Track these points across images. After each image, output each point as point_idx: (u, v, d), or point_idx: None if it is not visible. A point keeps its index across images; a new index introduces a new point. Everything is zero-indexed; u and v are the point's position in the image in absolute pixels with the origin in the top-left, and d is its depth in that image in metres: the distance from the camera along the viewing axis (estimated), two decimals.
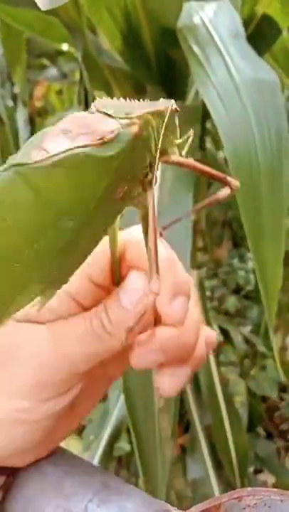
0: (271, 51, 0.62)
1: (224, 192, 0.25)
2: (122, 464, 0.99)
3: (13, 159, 0.19)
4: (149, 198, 0.22)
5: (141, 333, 0.26)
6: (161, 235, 0.26)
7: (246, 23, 0.49)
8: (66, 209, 0.19)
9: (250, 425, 1.01)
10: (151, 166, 0.22)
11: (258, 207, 0.35)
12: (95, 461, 0.82)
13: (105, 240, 0.25)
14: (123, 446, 0.92)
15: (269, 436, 1.11)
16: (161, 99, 0.22)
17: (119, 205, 0.22)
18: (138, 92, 0.65)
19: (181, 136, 0.23)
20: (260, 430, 1.08)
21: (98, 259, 0.26)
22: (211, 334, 0.29)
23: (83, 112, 0.20)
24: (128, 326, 0.22)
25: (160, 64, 0.60)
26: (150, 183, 0.22)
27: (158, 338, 0.25)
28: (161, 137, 0.21)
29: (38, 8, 0.63)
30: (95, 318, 0.25)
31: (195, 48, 0.44)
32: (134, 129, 0.20)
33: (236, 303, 1.35)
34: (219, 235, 1.47)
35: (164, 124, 0.21)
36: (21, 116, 1.46)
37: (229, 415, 0.87)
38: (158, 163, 0.22)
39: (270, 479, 1.05)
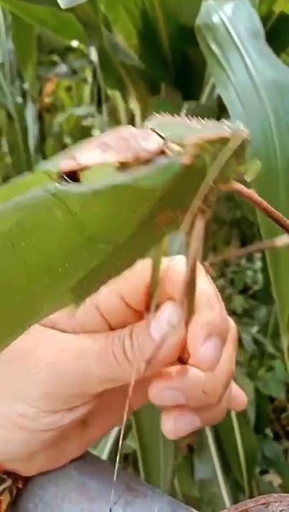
0: (288, 50, 0.61)
1: (285, 240, 0.23)
2: (128, 462, 0.99)
3: (42, 164, 0.18)
4: (196, 227, 0.20)
5: (165, 367, 0.25)
6: (206, 269, 0.24)
7: (263, 22, 0.48)
8: (101, 234, 0.18)
9: (258, 426, 1.01)
10: (206, 195, 0.19)
11: (276, 207, 0.35)
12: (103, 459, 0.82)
13: (147, 261, 0.24)
14: (130, 444, 0.92)
15: (276, 436, 1.11)
16: (232, 124, 0.19)
17: (162, 230, 0.20)
18: (153, 91, 0.65)
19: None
20: (268, 431, 1.07)
21: (136, 279, 0.25)
22: (240, 395, 0.28)
23: (132, 129, 0.19)
24: (147, 358, 0.21)
25: (176, 62, 0.60)
26: (202, 211, 0.20)
27: (182, 378, 0.24)
28: (223, 164, 0.19)
29: (53, 5, 0.63)
30: (118, 341, 0.24)
31: (214, 48, 0.44)
32: (185, 159, 0.18)
33: (244, 303, 1.34)
34: (228, 235, 1.47)
35: (229, 151, 0.19)
36: (30, 112, 1.46)
37: (237, 415, 0.87)
38: (214, 192, 0.20)
39: (276, 480, 1.04)
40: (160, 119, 0.19)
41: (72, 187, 0.17)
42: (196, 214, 0.20)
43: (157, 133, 0.18)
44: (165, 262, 0.24)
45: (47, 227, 0.18)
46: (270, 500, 0.20)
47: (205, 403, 0.25)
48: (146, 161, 0.18)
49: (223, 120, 0.20)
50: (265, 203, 0.21)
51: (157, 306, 0.25)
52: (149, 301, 0.25)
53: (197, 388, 0.24)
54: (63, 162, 0.18)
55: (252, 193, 0.21)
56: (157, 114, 0.20)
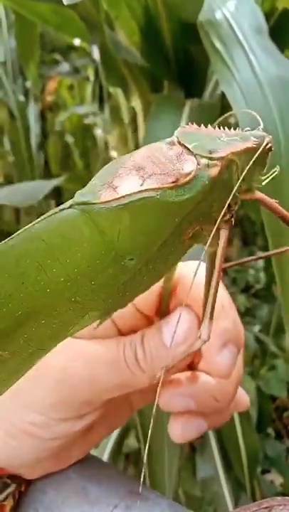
0: None
1: None
2: (130, 461, 0.99)
3: (81, 194, 0.18)
4: (222, 238, 0.20)
5: (175, 373, 0.25)
6: (220, 275, 0.25)
7: (267, 18, 0.48)
8: (128, 250, 0.18)
9: (259, 425, 1.00)
10: (230, 205, 0.19)
11: (280, 204, 0.34)
12: (104, 459, 0.82)
13: None
14: (132, 443, 0.92)
15: (278, 435, 1.11)
16: (255, 131, 0.19)
17: (187, 244, 0.20)
18: (155, 89, 0.64)
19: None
20: (270, 430, 1.07)
21: None
22: (244, 398, 0.28)
23: (162, 145, 0.19)
24: (165, 366, 0.20)
25: (178, 60, 0.59)
26: (226, 222, 0.20)
27: (193, 385, 0.24)
28: (248, 175, 0.19)
29: (55, 2, 0.62)
30: (129, 347, 0.24)
31: (217, 44, 0.43)
32: (214, 171, 0.18)
33: (246, 302, 1.34)
34: (230, 233, 1.46)
35: (257, 160, 0.19)
36: (33, 111, 1.46)
37: (239, 414, 0.87)
38: (238, 202, 0.20)
39: (278, 479, 1.04)
40: (185, 129, 0.19)
41: (99, 203, 0.17)
42: (221, 225, 0.20)
43: (184, 145, 0.18)
44: (177, 268, 0.24)
45: (74, 244, 0.18)
46: (274, 503, 0.20)
47: (215, 409, 0.25)
48: (184, 184, 0.18)
49: (247, 128, 0.20)
50: (284, 212, 0.20)
51: (168, 312, 0.25)
52: (160, 306, 0.25)
53: (208, 395, 0.24)
54: (104, 193, 0.17)
55: (274, 202, 0.20)
56: (184, 126, 0.19)
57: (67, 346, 0.23)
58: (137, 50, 0.61)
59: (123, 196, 0.17)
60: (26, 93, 1.49)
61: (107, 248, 0.18)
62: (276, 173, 0.21)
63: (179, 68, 0.60)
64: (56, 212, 0.18)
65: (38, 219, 0.18)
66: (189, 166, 0.18)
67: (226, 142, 0.19)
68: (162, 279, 0.24)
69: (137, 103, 0.68)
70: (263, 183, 0.21)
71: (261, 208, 0.36)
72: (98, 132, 1.47)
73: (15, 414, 0.23)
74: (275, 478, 1.05)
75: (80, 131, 1.58)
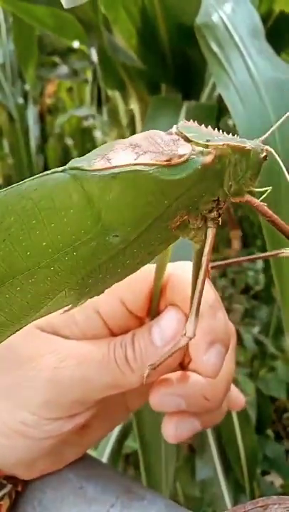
0: (288, 49, 0.61)
1: None
2: (129, 462, 0.99)
3: (75, 161, 0.18)
4: (208, 236, 0.20)
5: (166, 372, 0.25)
6: (208, 273, 0.24)
7: (264, 21, 0.48)
8: (114, 225, 0.18)
9: (259, 426, 1.00)
10: (219, 202, 0.20)
11: (277, 208, 0.35)
12: (104, 460, 0.82)
13: (148, 267, 0.23)
14: (131, 444, 0.92)
15: (277, 437, 1.11)
16: (254, 140, 0.20)
17: (173, 234, 0.20)
18: (152, 91, 0.64)
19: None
20: (270, 432, 1.07)
21: (137, 284, 0.25)
22: (239, 398, 0.28)
23: (161, 131, 0.19)
24: (151, 364, 0.21)
25: (176, 62, 0.60)
26: (213, 220, 0.20)
27: (183, 384, 0.24)
28: (240, 177, 0.19)
29: (53, 5, 0.63)
30: (120, 347, 0.24)
31: (214, 47, 0.44)
32: (208, 159, 0.18)
33: (245, 303, 1.34)
34: (228, 234, 1.47)
35: (248, 164, 0.19)
36: (32, 113, 1.47)
37: (238, 416, 0.87)
38: (228, 202, 0.20)
39: (278, 481, 1.04)
40: (186, 124, 0.20)
41: (90, 170, 0.17)
42: (208, 222, 0.20)
43: (183, 134, 0.19)
44: (167, 268, 0.24)
45: (61, 209, 0.18)
46: (269, 502, 0.20)
47: (206, 408, 0.25)
48: (178, 165, 0.18)
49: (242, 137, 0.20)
50: (274, 216, 0.21)
51: (158, 312, 0.25)
52: (151, 306, 0.25)
53: (198, 394, 0.24)
54: (97, 162, 0.18)
55: (261, 205, 0.21)
56: (185, 121, 0.20)
57: (58, 346, 0.24)
58: (134, 53, 0.62)
59: (116, 166, 0.17)
60: (25, 96, 1.49)
61: (94, 219, 0.18)
62: (268, 191, 0.21)
63: (176, 70, 0.60)
64: (48, 174, 0.18)
65: (30, 178, 0.18)
66: (184, 149, 0.18)
67: (222, 138, 0.19)
68: (152, 280, 0.24)
69: (134, 105, 0.68)
70: (261, 198, 0.21)
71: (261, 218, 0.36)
72: (97, 134, 1.47)
73: (6, 414, 0.24)
74: (275, 479, 1.05)
75: (79, 134, 1.59)
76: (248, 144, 0.19)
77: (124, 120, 0.78)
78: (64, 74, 1.53)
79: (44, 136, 1.53)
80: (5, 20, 1.42)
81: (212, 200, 0.20)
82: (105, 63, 0.66)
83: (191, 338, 0.20)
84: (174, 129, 0.19)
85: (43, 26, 0.75)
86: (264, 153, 0.20)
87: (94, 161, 0.18)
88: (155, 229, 0.19)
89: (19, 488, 0.25)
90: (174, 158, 0.18)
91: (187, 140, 0.19)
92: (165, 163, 0.18)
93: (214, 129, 0.20)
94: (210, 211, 0.20)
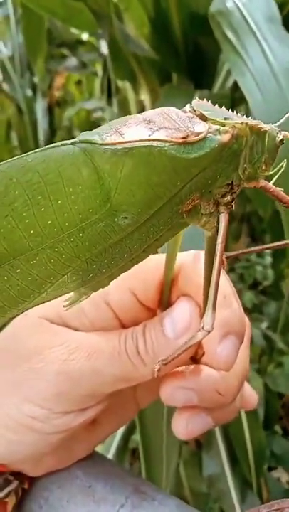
0: None
1: None
2: (136, 456, 0.99)
3: (86, 134, 0.17)
4: (221, 222, 0.19)
5: (178, 366, 0.24)
6: (223, 263, 0.23)
7: (280, 7, 0.47)
8: (124, 205, 0.17)
9: (267, 422, 1.00)
10: (233, 186, 0.19)
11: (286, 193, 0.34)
12: (110, 455, 0.82)
13: (158, 257, 0.23)
14: (138, 438, 0.92)
15: (285, 433, 1.10)
16: (269, 124, 0.19)
17: (184, 219, 0.19)
18: (164, 81, 0.63)
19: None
20: (277, 427, 1.07)
21: (147, 275, 0.24)
22: (253, 397, 0.27)
23: (176, 109, 0.18)
24: (164, 359, 0.20)
25: (188, 51, 0.59)
26: (226, 204, 0.19)
27: (196, 378, 0.23)
28: (255, 160, 0.19)
29: None
30: (131, 339, 0.23)
31: (229, 34, 0.43)
32: (225, 137, 0.17)
33: (253, 298, 1.33)
34: (237, 230, 1.46)
35: (264, 147, 0.19)
36: (40, 106, 1.46)
37: (246, 411, 0.86)
38: (242, 187, 0.19)
39: (284, 477, 1.04)
40: (201, 102, 0.19)
41: (102, 143, 0.16)
42: (220, 207, 0.19)
43: (198, 112, 0.18)
44: (178, 257, 0.23)
45: (69, 184, 0.17)
46: (284, 506, 0.19)
47: (219, 404, 0.24)
48: (195, 143, 0.17)
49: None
50: None
51: (169, 303, 0.24)
52: (162, 297, 0.24)
53: (211, 389, 0.23)
54: (109, 136, 0.17)
55: (278, 190, 0.20)
56: (199, 99, 0.19)
57: (68, 338, 0.23)
58: (146, 42, 0.61)
59: (129, 141, 0.17)
60: (34, 88, 1.49)
61: (103, 197, 0.17)
62: (283, 167, 0.20)
63: (188, 60, 0.59)
64: (57, 146, 0.17)
65: (36, 150, 0.17)
66: (201, 127, 0.17)
67: (239, 117, 0.19)
68: (162, 270, 0.23)
69: (145, 96, 0.67)
70: (273, 180, 0.20)
71: (277, 205, 0.35)
72: None
73: (14, 407, 0.23)
74: (282, 475, 1.04)
75: (88, 127, 1.58)
76: (265, 126, 0.19)
77: (134, 111, 0.78)
78: (73, 66, 1.52)
79: (52, 129, 1.53)
80: (14, 12, 1.42)
81: (226, 183, 0.19)
82: (116, 53, 0.65)
83: (209, 332, 0.19)
84: (188, 107, 0.19)
85: (53, 16, 0.75)
86: (280, 137, 0.19)
87: (106, 135, 0.17)
88: (166, 212, 0.18)
89: (26, 486, 0.25)
90: (191, 136, 0.17)
91: (203, 118, 0.18)
92: (181, 140, 0.17)
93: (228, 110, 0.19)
94: (223, 195, 0.19)
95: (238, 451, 0.84)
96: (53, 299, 0.19)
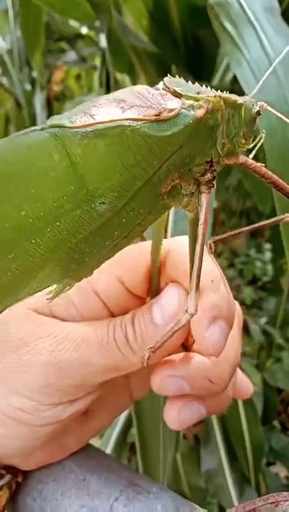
0: None
1: None
2: (134, 451, 0.99)
3: (54, 119, 0.16)
4: (203, 202, 0.19)
5: (169, 354, 0.24)
6: (210, 247, 0.23)
7: (279, 1, 0.46)
8: (100, 190, 0.17)
9: (265, 417, 1.00)
10: (213, 163, 0.18)
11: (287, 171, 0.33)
12: (109, 449, 0.82)
13: (146, 244, 0.22)
14: (134, 431, 0.92)
15: (283, 428, 1.11)
16: (244, 97, 0.19)
17: (164, 201, 0.19)
18: (163, 74, 0.63)
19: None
20: (276, 423, 1.07)
21: (135, 262, 0.23)
22: (247, 385, 0.27)
23: (148, 86, 0.18)
24: (151, 347, 0.20)
25: (187, 44, 0.58)
26: (207, 183, 0.19)
27: (186, 365, 0.23)
28: (233, 134, 0.18)
29: None
30: (120, 328, 0.22)
31: (227, 26, 0.42)
32: (200, 112, 0.17)
33: (252, 294, 1.33)
34: (236, 225, 1.46)
35: (241, 120, 0.18)
36: (39, 100, 1.45)
37: (245, 406, 0.86)
38: (222, 163, 0.19)
39: (283, 472, 1.04)
40: (173, 79, 0.18)
41: (72, 127, 0.16)
42: (201, 187, 0.19)
43: (171, 88, 0.18)
44: (165, 244, 0.23)
45: (41, 172, 0.16)
46: (280, 499, 0.19)
47: (211, 391, 0.23)
48: (168, 119, 0.17)
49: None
50: (274, 176, 0.20)
51: (158, 290, 0.24)
52: (150, 285, 0.24)
53: (202, 376, 0.23)
54: (79, 119, 0.16)
55: (259, 165, 0.20)
56: (170, 76, 0.19)
57: (56, 329, 0.23)
58: (145, 34, 0.60)
59: (100, 122, 0.16)
60: (33, 82, 1.48)
61: (78, 183, 0.16)
62: (262, 139, 0.20)
63: (187, 53, 0.59)
64: (25, 133, 0.16)
65: (3, 138, 0.16)
66: (174, 103, 0.17)
67: (213, 92, 0.18)
68: (149, 257, 0.23)
69: None
70: (252, 154, 0.20)
71: (275, 201, 0.34)
72: None
73: (3, 400, 0.23)
74: (280, 470, 1.05)
75: None
76: (240, 98, 0.19)
77: None
78: (72, 60, 1.51)
79: None
80: (12, 6, 1.41)
81: (205, 161, 0.18)
82: (115, 46, 0.65)
83: (192, 315, 0.19)
84: (160, 85, 0.18)
85: (51, 8, 0.74)
86: (257, 108, 0.19)
87: (76, 118, 0.16)
88: (145, 194, 0.18)
89: (19, 479, 0.24)
90: (164, 112, 0.17)
91: (176, 95, 0.17)
92: (154, 117, 0.16)
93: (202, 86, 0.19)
94: (203, 174, 0.19)
95: (237, 447, 0.84)
96: (36, 293, 0.19)
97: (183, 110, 0.17)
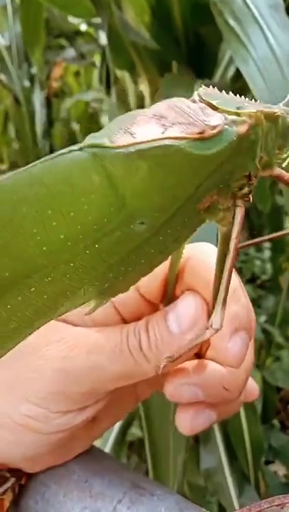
0: None
1: None
2: (133, 450, 0.99)
3: (93, 137, 0.16)
4: (237, 216, 0.18)
5: (182, 362, 0.23)
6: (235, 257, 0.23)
7: None
8: (140, 210, 0.16)
9: (264, 416, 1.00)
10: (251, 177, 0.18)
11: None
12: (107, 448, 0.81)
13: None
14: (135, 431, 0.92)
15: (282, 426, 1.11)
16: (277, 105, 0.18)
17: (201, 217, 0.18)
18: (163, 71, 0.63)
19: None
20: (275, 421, 1.07)
21: None
22: (253, 386, 0.26)
23: (185, 99, 0.17)
24: (169, 356, 0.19)
25: (189, 41, 0.58)
26: (244, 197, 0.18)
27: (202, 373, 0.23)
28: (270, 147, 0.18)
29: None
30: (133, 335, 0.22)
31: (232, 22, 0.42)
32: (243, 128, 0.16)
33: (252, 292, 1.33)
34: None
35: (278, 131, 0.18)
36: (38, 97, 1.45)
37: (244, 405, 0.86)
38: (259, 176, 0.18)
39: (282, 470, 1.04)
40: (207, 90, 0.18)
41: (113, 147, 0.15)
42: (237, 201, 0.18)
43: (207, 101, 0.17)
44: (186, 249, 0.22)
45: (80, 194, 0.15)
46: (285, 501, 0.19)
47: (225, 399, 0.23)
48: (212, 137, 0.16)
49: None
50: None
51: (173, 297, 0.23)
52: (166, 292, 0.23)
53: (217, 384, 0.23)
54: (120, 138, 0.16)
55: None
56: (205, 88, 0.18)
57: (67, 334, 0.22)
58: (146, 31, 0.60)
59: (143, 142, 0.15)
60: (32, 79, 1.48)
61: (118, 205, 0.16)
62: None
63: (189, 49, 0.59)
64: (63, 154, 0.16)
65: (41, 159, 0.16)
66: (217, 119, 0.16)
67: (251, 104, 0.17)
68: (167, 263, 0.22)
69: (144, 86, 0.67)
70: (285, 163, 0.19)
71: (285, 199, 0.34)
72: (104, 119, 1.46)
73: (12, 407, 0.22)
74: (279, 469, 1.05)
75: (86, 118, 1.57)
76: (277, 109, 0.18)
77: (133, 102, 0.77)
78: (71, 57, 1.51)
79: (50, 121, 1.52)
80: (12, 2, 1.40)
81: (243, 175, 0.18)
82: (115, 42, 0.64)
83: (217, 330, 0.18)
84: (196, 97, 0.17)
85: (52, 4, 0.73)
86: None
87: (116, 137, 0.16)
88: (183, 213, 0.17)
89: (22, 482, 0.24)
90: (207, 130, 0.16)
91: (214, 108, 0.17)
92: (198, 136, 0.16)
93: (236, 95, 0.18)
94: (240, 188, 0.18)
95: (236, 445, 0.84)
96: (67, 312, 0.18)
97: (226, 126, 0.16)
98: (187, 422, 0.23)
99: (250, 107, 0.17)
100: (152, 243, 0.17)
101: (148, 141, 0.15)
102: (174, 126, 0.16)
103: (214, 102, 0.17)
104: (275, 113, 0.17)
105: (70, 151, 0.16)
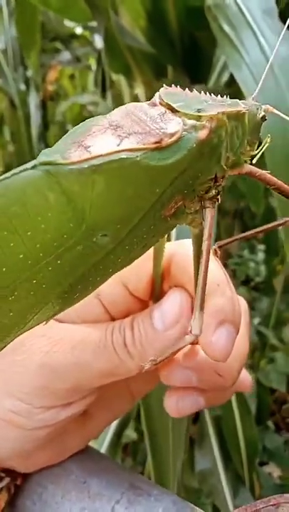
0: None
1: None
2: (128, 453, 0.99)
3: (46, 154, 0.15)
4: (207, 218, 0.18)
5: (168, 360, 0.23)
6: (216, 253, 0.22)
7: (277, 1, 0.46)
8: (101, 223, 0.16)
9: (259, 417, 1.00)
10: (217, 179, 0.17)
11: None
12: (102, 450, 0.81)
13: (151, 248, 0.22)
14: (130, 434, 0.92)
15: (276, 428, 1.11)
16: (246, 100, 0.17)
17: (169, 222, 0.18)
18: (159, 75, 0.63)
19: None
20: (269, 423, 1.07)
21: (140, 265, 0.22)
22: (246, 377, 0.27)
23: (142, 104, 0.16)
24: (154, 359, 0.19)
25: (184, 45, 0.58)
26: (212, 199, 0.18)
27: (196, 357, 0.23)
28: (237, 146, 0.17)
29: None
30: (118, 331, 0.22)
31: (226, 28, 0.42)
32: (203, 134, 0.16)
33: (246, 294, 1.33)
34: (230, 226, 1.46)
35: (245, 129, 0.17)
36: (33, 100, 1.45)
37: (238, 406, 0.86)
38: (226, 177, 0.18)
39: (276, 471, 1.04)
40: (169, 90, 0.17)
41: (67, 163, 0.15)
42: (205, 203, 0.18)
43: (168, 104, 0.16)
44: (169, 247, 0.22)
45: (36, 213, 0.15)
46: (281, 501, 0.19)
47: (218, 386, 0.23)
48: (168, 145, 0.15)
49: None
50: (279, 182, 0.19)
51: (162, 294, 0.23)
52: (154, 289, 0.24)
53: (211, 369, 0.23)
54: (73, 153, 0.15)
55: (264, 173, 0.19)
56: (166, 86, 0.17)
57: (51, 330, 0.22)
58: (142, 35, 0.60)
59: (96, 156, 0.15)
60: (27, 82, 1.47)
61: (77, 220, 0.15)
62: (267, 144, 0.19)
63: (184, 54, 0.59)
64: (16, 174, 0.15)
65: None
66: (174, 125, 0.16)
67: (214, 104, 0.17)
68: (153, 261, 0.22)
69: (140, 90, 0.67)
70: (255, 159, 0.19)
71: (276, 205, 0.34)
72: None
73: None
74: (273, 470, 1.05)
75: (81, 121, 1.57)
76: (243, 106, 0.17)
77: None
78: (66, 60, 1.51)
79: (46, 124, 1.52)
80: (7, 5, 1.40)
81: (209, 178, 0.17)
82: (111, 46, 0.64)
83: (197, 336, 0.18)
84: (156, 98, 0.17)
85: (47, 7, 0.74)
86: (262, 113, 0.18)
87: (69, 152, 0.15)
88: (148, 221, 0.17)
89: (18, 482, 0.24)
90: (165, 139, 0.15)
91: (174, 111, 0.16)
92: (154, 145, 0.15)
93: (201, 93, 0.17)
94: (207, 191, 0.18)
95: (231, 447, 0.84)
96: (38, 324, 0.18)
97: (184, 133, 0.16)
98: (173, 404, 0.23)
99: (212, 108, 0.16)
100: (118, 253, 0.17)
101: (103, 155, 0.15)
102: (130, 137, 0.15)
103: (175, 105, 0.16)
104: (239, 111, 0.17)
105: (23, 170, 0.15)
